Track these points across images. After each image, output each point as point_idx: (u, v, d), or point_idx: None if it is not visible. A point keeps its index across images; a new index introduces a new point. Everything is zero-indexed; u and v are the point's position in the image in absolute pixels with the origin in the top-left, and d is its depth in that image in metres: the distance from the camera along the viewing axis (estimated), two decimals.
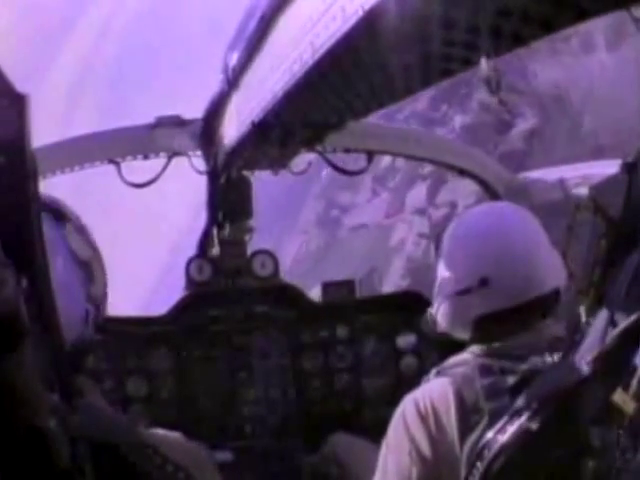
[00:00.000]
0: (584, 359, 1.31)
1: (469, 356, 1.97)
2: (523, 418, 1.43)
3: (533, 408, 1.41)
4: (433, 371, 2.00)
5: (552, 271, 2.04)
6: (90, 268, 1.63)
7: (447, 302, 2.07)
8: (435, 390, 1.89)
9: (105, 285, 1.68)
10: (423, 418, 1.87)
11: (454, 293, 2.05)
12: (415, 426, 1.88)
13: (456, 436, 1.80)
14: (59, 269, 1.55)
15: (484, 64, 1.44)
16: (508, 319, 1.99)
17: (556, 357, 1.80)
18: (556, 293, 2.03)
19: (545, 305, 2.01)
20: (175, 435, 1.61)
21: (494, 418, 1.60)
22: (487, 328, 2.01)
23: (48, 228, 1.53)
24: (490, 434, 1.53)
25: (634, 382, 1.23)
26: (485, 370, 1.85)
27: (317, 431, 3.51)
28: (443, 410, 1.84)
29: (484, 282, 1.99)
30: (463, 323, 2.07)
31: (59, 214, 1.62)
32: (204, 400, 3.58)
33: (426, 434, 1.86)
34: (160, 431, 1.55)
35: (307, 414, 3.66)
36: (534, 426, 1.39)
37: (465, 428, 1.78)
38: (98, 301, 1.64)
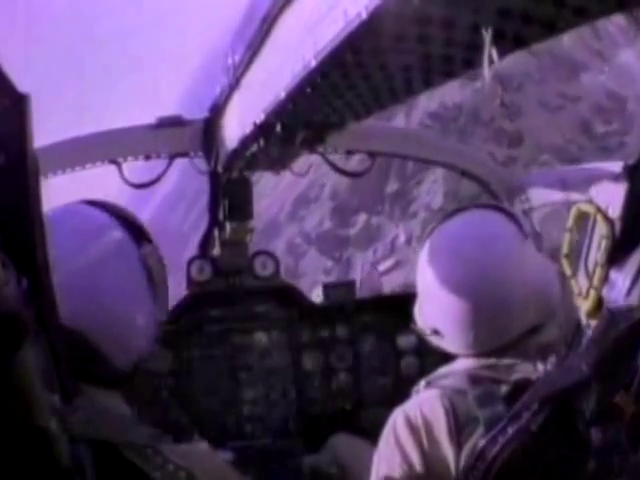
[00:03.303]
0: (584, 360, 1.31)
1: (458, 367, 1.97)
2: (523, 419, 1.43)
3: (533, 409, 1.41)
4: (422, 382, 1.99)
5: (527, 314, 1.91)
6: (158, 291, 1.69)
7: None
8: (425, 402, 1.89)
9: (166, 311, 1.77)
10: (414, 431, 1.86)
11: (417, 325, 2.09)
12: (406, 439, 1.87)
13: (449, 448, 1.79)
14: (137, 287, 1.63)
15: (486, 66, 1.44)
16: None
17: (548, 364, 1.79)
18: (535, 327, 1.93)
19: (519, 340, 1.92)
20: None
21: (489, 426, 1.60)
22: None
23: (127, 245, 1.64)
24: (488, 437, 1.53)
25: (634, 383, 1.23)
26: (475, 380, 1.85)
27: (317, 431, 3.51)
28: (434, 422, 1.84)
29: (436, 332, 2.00)
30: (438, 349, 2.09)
31: (139, 233, 1.69)
32: (204, 400, 3.58)
33: (417, 447, 1.85)
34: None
35: (307, 414, 3.66)
36: (534, 427, 1.39)
37: (460, 439, 1.77)
38: (159, 325, 1.72)
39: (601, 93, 14.15)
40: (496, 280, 1.90)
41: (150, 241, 1.71)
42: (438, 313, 1.97)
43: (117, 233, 1.64)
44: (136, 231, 1.68)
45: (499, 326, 1.91)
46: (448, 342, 1.99)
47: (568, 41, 14.43)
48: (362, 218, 13.74)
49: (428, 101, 14.06)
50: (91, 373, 1.51)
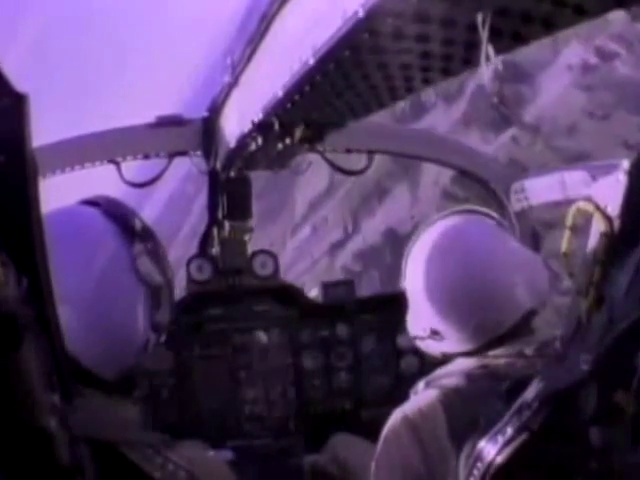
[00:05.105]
0: (584, 359, 1.31)
1: (457, 367, 1.97)
2: (523, 418, 1.42)
3: (533, 408, 1.41)
4: (421, 383, 1.99)
5: (520, 298, 1.96)
6: (158, 294, 1.57)
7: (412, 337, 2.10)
8: (424, 403, 1.89)
9: (171, 312, 1.62)
10: (413, 431, 1.87)
11: (412, 334, 2.08)
12: (405, 439, 1.88)
13: (449, 447, 1.79)
14: (124, 292, 1.52)
15: (484, 64, 1.44)
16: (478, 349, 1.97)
17: (546, 362, 1.79)
18: (530, 313, 1.98)
19: (516, 330, 1.95)
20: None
21: (489, 424, 1.60)
22: (459, 354, 2.01)
23: (114, 244, 1.51)
24: (488, 437, 1.53)
25: (634, 382, 1.23)
26: (474, 379, 1.86)
27: (317, 431, 3.51)
28: (433, 422, 1.84)
29: (435, 332, 2.00)
30: (433, 354, 2.08)
31: (129, 230, 1.56)
32: (204, 400, 3.58)
33: (417, 446, 1.86)
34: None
35: (307, 414, 3.66)
36: (534, 426, 1.39)
37: (459, 438, 1.77)
38: (160, 328, 1.60)
39: None
40: (487, 266, 1.96)
41: (145, 238, 1.58)
42: (436, 311, 1.97)
43: (107, 239, 1.53)
44: (129, 230, 1.56)
45: (497, 310, 1.94)
46: (448, 341, 1.99)
47: (624, 67, 13.20)
48: None
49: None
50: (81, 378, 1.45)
